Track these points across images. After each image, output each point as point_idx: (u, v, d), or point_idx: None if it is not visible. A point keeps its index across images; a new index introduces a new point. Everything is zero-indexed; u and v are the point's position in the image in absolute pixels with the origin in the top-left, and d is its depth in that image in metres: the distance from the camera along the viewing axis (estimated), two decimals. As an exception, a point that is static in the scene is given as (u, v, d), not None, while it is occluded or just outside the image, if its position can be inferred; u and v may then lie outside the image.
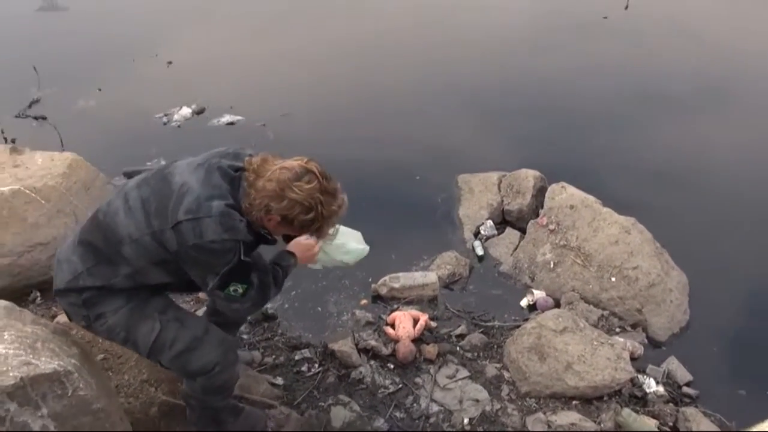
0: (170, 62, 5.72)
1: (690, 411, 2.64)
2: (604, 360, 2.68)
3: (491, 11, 7.33)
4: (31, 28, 6.92)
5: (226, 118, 4.81)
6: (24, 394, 1.78)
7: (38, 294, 3.11)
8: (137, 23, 6.79)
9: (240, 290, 1.85)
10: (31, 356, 1.82)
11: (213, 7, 7.31)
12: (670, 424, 2.63)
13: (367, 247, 2.44)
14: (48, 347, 1.92)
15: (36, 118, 4.77)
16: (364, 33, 6.72)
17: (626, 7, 7.35)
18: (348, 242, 2.39)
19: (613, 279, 3.15)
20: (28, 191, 3.15)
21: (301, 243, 2.15)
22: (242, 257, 1.78)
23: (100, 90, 5.22)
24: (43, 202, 3.18)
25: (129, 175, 2.10)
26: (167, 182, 1.81)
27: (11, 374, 1.73)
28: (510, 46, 6.49)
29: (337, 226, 2.20)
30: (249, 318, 3.08)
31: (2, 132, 4.48)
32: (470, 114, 5.04)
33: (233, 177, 1.81)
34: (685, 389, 2.82)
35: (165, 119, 4.77)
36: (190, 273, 1.85)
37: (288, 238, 2.16)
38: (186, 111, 4.83)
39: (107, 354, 2.72)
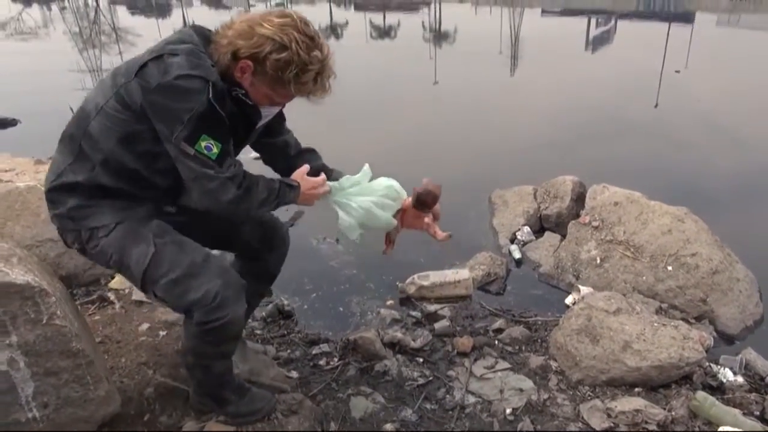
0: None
1: (781, 399, 2.20)
2: (668, 339, 2.29)
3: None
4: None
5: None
6: (-12, 306, 1.56)
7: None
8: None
9: (214, 149, 1.56)
10: (2, 264, 1.62)
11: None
12: (756, 413, 2.18)
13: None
14: (26, 265, 1.72)
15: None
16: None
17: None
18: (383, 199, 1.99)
19: (670, 268, 2.79)
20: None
21: (307, 177, 1.88)
22: (214, 102, 1.52)
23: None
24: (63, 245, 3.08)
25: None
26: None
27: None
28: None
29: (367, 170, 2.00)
30: (262, 314, 2.82)
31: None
32: (500, 148, 5.05)
33: (207, 35, 1.64)
34: (770, 380, 2.37)
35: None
36: (159, 132, 1.58)
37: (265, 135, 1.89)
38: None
39: (105, 338, 2.49)
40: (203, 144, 1.54)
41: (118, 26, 20.17)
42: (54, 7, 23.63)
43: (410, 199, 1.98)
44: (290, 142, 2.01)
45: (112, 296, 2.83)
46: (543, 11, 20.92)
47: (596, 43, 14.18)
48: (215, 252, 2.00)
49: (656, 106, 6.81)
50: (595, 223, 3.14)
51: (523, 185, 3.83)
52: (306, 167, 1.89)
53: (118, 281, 3.03)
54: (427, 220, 2.05)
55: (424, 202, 1.97)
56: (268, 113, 1.78)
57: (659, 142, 5.43)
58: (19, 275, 1.61)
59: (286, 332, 2.76)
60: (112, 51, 15.84)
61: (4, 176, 3.21)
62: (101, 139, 1.62)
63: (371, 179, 1.99)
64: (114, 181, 1.66)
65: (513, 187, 3.88)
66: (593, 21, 17.12)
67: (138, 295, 2.83)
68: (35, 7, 23.51)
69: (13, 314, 1.61)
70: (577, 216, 3.38)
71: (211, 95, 1.51)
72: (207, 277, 1.70)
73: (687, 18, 16.67)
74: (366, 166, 2.01)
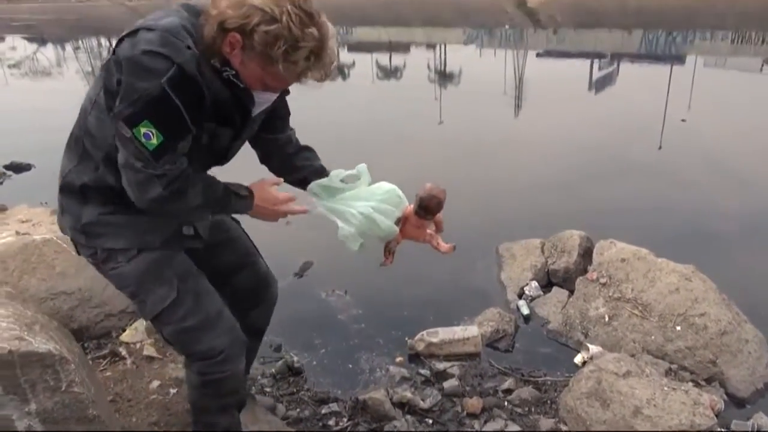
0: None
1: (793, 469, 2.19)
2: (678, 404, 2.29)
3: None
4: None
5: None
6: (11, 377, 1.60)
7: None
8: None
9: (154, 140, 1.39)
10: (25, 333, 1.65)
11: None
12: (770, 482, 2.17)
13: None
14: (47, 333, 1.76)
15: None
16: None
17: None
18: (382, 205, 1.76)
19: (678, 328, 2.80)
20: (60, 241, 3.12)
21: (269, 190, 1.69)
22: (168, 90, 1.36)
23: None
24: (73, 253, 3.13)
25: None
26: None
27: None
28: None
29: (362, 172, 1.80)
30: (272, 370, 2.83)
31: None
32: (506, 192, 5.15)
33: (198, 9, 1.48)
34: (782, 447, 2.36)
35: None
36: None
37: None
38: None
39: (116, 396, 2.50)
40: (143, 130, 1.39)
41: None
42: (68, 46, 24.20)
43: (412, 206, 1.83)
44: (292, 140, 1.90)
45: (123, 351, 2.85)
46: (537, 54, 21.25)
47: (599, 85, 14.36)
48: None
49: (660, 148, 6.90)
50: (602, 280, 3.16)
51: (531, 238, 3.87)
52: (275, 179, 1.76)
53: (129, 334, 3.05)
54: (429, 231, 1.90)
55: (427, 207, 1.80)
56: (262, 101, 1.62)
57: (664, 188, 5.46)
58: (41, 343, 1.65)
59: (295, 390, 2.77)
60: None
61: (21, 228, 3.28)
62: (98, 135, 1.54)
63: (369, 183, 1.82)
64: (119, 180, 1.54)
65: (520, 239, 3.91)
66: (596, 63, 17.33)
67: (149, 350, 2.85)
68: (50, 46, 24.11)
69: (32, 382, 1.64)
70: (585, 271, 3.40)
71: (166, 78, 1.36)
72: (216, 333, 1.74)
73: (685, 60, 16.97)
74: (363, 166, 1.81)
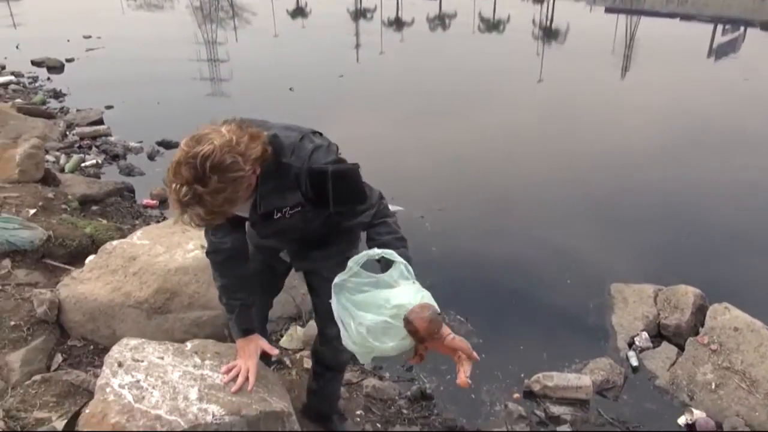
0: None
1: None
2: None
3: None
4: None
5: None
6: (256, 428, 2.12)
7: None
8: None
9: None
10: (266, 394, 2.17)
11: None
12: None
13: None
14: (275, 389, 2.28)
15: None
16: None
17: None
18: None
19: (783, 410, 3.05)
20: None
21: (251, 349, 2.18)
22: None
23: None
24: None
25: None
26: None
27: (254, 407, 2.08)
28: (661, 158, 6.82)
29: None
30: (407, 393, 3.32)
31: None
32: (624, 226, 5.31)
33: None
34: None
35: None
36: None
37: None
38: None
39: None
40: None
41: (236, 3, 21.12)
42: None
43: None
44: (364, 222, 1.98)
45: (287, 361, 3.41)
46: (656, 14, 19.99)
47: (721, 52, 13.62)
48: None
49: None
50: (713, 346, 3.41)
51: (644, 284, 4.11)
52: (269, 350, 2.23)
53: (286, 340, 3.61)
54: (460, 353, 1.70)
55: (410, 332, 1.60)
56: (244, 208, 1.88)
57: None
58: (276, 402, 2.16)
59: (427, 414, 3.26)
60: (227, 26, 16.76)
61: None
62: None
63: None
64: None
65: (632, 283, 4.15)
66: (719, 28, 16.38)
67: (307, 362, 3.39)
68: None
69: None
70: (696, 330, 3.64)
71: None
72: None
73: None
74: (400, 264, 1.69)
